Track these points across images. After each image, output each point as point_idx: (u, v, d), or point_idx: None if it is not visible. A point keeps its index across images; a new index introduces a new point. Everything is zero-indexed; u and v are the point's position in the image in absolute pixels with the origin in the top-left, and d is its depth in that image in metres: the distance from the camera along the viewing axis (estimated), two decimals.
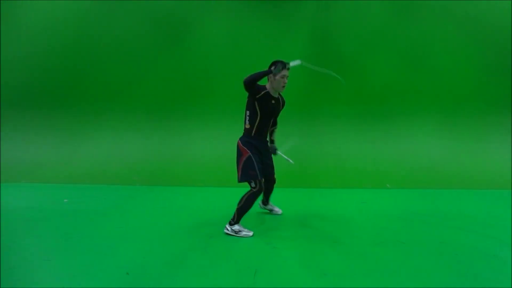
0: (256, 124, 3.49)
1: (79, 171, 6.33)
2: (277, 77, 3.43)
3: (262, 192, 3.57)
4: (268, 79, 3.53)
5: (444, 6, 6.76)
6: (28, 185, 5.89)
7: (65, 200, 4.90)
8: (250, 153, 3.41)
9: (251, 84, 3.27)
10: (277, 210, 4.15)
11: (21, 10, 7.11)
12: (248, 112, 3.51)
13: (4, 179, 6.06)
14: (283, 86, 3.48)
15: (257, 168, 3.37)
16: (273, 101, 3.51)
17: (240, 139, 3.53)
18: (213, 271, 2.69)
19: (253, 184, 3.36)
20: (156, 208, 4.57)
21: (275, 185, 3.95)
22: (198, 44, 6.99)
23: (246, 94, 3.73)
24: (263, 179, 3.48)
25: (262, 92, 3.42)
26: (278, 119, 3.91)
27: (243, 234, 3.40)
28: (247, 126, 3.52)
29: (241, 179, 3.41)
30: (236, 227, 3.43)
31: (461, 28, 6.75)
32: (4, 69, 7.04)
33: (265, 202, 4.20)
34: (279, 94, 3.63)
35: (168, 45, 7.00)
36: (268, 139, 3.79)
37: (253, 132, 3.51)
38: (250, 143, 3.48)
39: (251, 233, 3.40)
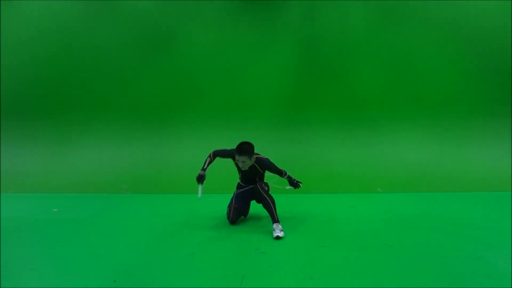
0: (240, 177, 4.21)
1: (67, 180, 6.27)
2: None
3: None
4: None
5: (427, 12, 6.89)
6: (15, 195, 5.82)
7: (55, 210, 4.86)
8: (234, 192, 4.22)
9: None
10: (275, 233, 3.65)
11: (6, 20, 7.07)
12: None
13: None
14: (242, 168, 3.88)
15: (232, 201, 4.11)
16: (247, 168, 3.90)
17: None
18: (200, 277, 2.70)
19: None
20: (144, 215, 4.55)
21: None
22: (185, 53, 7.02)
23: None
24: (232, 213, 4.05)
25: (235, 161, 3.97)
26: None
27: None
28: (239, 178, 4.24)
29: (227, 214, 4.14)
30: None
31: (443, 33, 6.87)
32: None
33: None
34: (256, 161, 3.91)
35: (155, 53, 7.02)
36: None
37: (240, 181, 4.24)
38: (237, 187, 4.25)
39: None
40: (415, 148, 6.72)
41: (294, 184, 4.10)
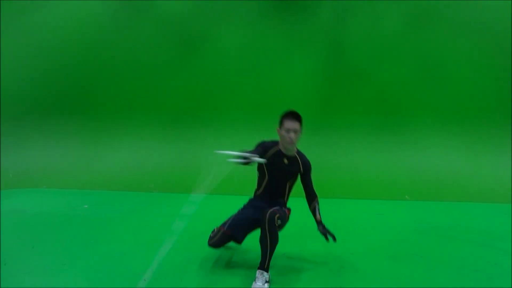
0: (263, 185, 2.99)
1: (98, 177, 6.43)
2: (282, 132, 2.85)
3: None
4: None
5: (461, 15, 6.66)
6: (48, 190, 6.03)
7: (85, 206, 4.99)
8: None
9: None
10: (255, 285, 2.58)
11: (39, 20, 7.31)
12: (257, 173, 3.04)
13: (25, 185, 6.21)
14: (289, 143, 2.83)
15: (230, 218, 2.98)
16: (285, 161, 2.91)
17: None
18: (227, 278, 2.71)
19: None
20: (172, 214, 4.61)
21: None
22: (214, 54, 7.04)
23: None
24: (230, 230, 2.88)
25: (271, 152, 2.91)
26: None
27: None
28: (256, 187, 3.09)
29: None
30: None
31: (478, 38, 6.62)
32: (24, 76, 7.21)
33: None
34: (298, 155, 2.98)
35: (184, 54, 7.09)
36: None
37: (258, 192, 3.06)
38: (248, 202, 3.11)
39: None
40: (446, 155, 6.52)
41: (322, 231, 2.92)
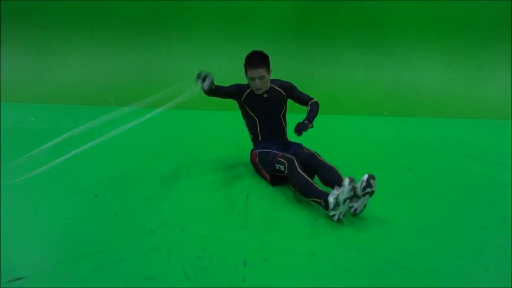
0: (258, 129, 2.77)
1: (49, 90, 5.69)
2: (248, 80, 2.65)
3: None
4: None
5: None
6: None
7: (32, 119, 4.42)
8: (258, 151, 2.69)
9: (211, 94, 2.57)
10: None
11: None
12: (245, 120, 2.85)
13: None
14: (257, 89, 2.62)
15: (271, 151, 2.57)
16: (264, 95, 2.70)
17: (251, 151, 2.82)
18: (198, 195, 2.37)
19: (281, 167, 2.39)
20: (132, 129, 4.12)
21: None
22: None
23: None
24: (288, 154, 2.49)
25: (246, 92, 2.72)
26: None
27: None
28: (251, 136, 2.86)
29: (271, 181, 2.55)
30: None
31: None
32: None
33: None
34: (273, 83, 2.76)
35: None
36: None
37: (259, 138, 2.78)
38: (257, 147, 2.75)
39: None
40: (427, 71, 6.24)
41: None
